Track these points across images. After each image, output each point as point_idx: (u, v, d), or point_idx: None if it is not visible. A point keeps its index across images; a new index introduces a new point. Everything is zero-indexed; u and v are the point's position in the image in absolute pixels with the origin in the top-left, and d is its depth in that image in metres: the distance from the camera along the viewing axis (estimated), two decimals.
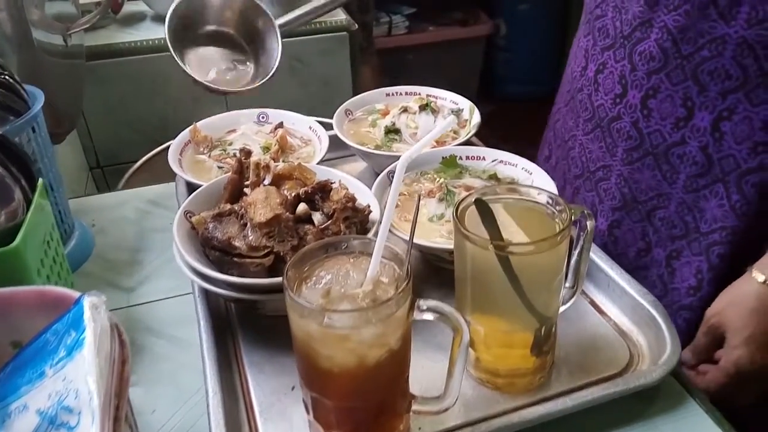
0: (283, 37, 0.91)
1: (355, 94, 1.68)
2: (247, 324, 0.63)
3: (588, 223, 0.54)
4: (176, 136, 0.99)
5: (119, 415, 0.39)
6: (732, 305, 0.59)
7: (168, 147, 1.17)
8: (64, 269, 0.60)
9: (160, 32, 1.47)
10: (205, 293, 0.62)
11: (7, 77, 0.63)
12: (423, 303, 0.45)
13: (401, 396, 0.49)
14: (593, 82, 0.72)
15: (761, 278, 0.57)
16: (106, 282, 0.71)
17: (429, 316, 0.45)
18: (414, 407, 0.49)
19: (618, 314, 0.62)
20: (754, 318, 0.57)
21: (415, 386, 0.50)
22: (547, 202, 0.52)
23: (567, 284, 0.58)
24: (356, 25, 1.56)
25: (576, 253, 0.56)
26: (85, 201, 0.87)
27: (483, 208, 0.47)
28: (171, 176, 0.91)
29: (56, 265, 0.57)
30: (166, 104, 1.49)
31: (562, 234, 0.47)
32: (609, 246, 0.76)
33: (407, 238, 0.60)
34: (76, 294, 0.45)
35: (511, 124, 2.88)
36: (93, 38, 1.43)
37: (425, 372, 0.54)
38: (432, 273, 0.68)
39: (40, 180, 0.55)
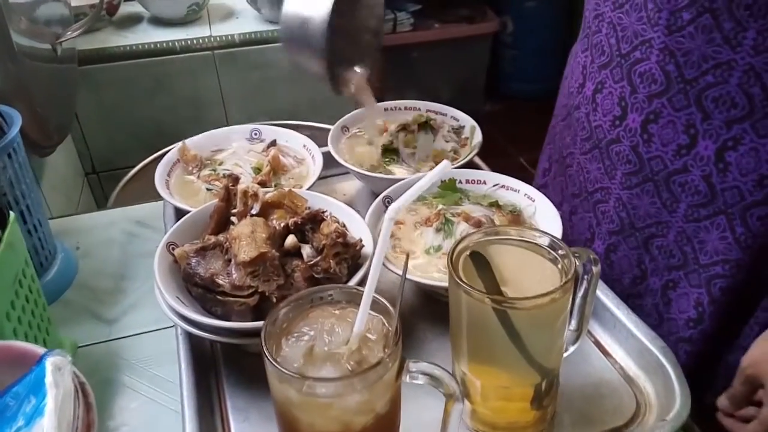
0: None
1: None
2: (232, 362, 0.60)
3: (594, 268, 0.50)
4: (172, 142, 0.95)
5: None
6: None
7: (163, 155, 1.14)
8: (40, 306, 0.57)
9: (156, 35, 1.44)
10: (188, 334, 0.59)
11: None
12: (413, 365, 0.41)
13: None
14: (591, 101, 0.69)
15: None
16: (87, 312, 0.68)
17: (420, 380, 0.42)
18: None
19: (624, 357, 0.58)
20: None
21: None
22: (550, 246, 0.49)
23: (571, 327, 0.54)
24: None
25: (580, 296, 0.53)
26: (71, 221, 0.83)
27: (479, 260, 0.44)
28: None
29: (29, 304, 0.54)
30: (162, 109, 1.46)
31: (564, 287, 0.44)
32: (605, 270, 0.72)
33: (400, 273, 0.57)
34: (41, 350, 0.42)
35: (517, 122, 2.83)
36: (87, 42, 1.40)
37: (417, 420, 0.50)
38: (427, 304, 0.65)
39: (11, 215, 0.52)
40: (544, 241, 0.49)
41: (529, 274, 0.48)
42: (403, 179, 0.72)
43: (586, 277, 0.52)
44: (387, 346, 0.42)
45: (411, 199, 0.43)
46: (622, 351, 0.59)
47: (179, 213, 0.76)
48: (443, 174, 0.48)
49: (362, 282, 0.58)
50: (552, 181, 0.82)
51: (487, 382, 0.49)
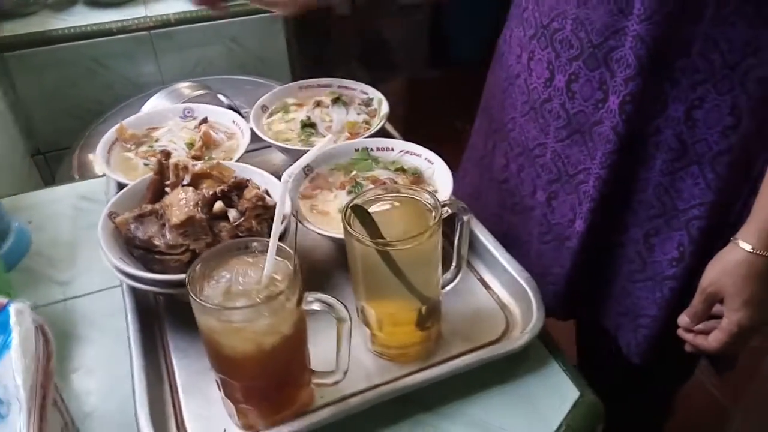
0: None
1: (293, 71, 1.71)
2: (173, 313, 0.70)
3: (464, 216, 0.62)
4: (115, 122, 1.01)
5: (45, 402, 0.46)
6: (726, 274, 0.64)
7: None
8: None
9: (92, 17, 1.48)
10: (132, 288, 0.69)
11: None
12: (310, 296, 0.52)
13: (300, 371, 0.57)
14: (527, 68, 0.78)
15: (748, 247, 0.63)
16: (44, 277, 0.77)
17: (316, 306, 0.53)
18: (313, 380, 0.58)
19: (500, 289, 0.71)
20: (748, 283, 0.63)
21: (322, 363, 0.58)
22: (427, 199, 0.60)
23: (453, 265, 0.66)
24: None
25: (456, 238, 0.65)
26: (22, 198, 0.91)
27: (360, 212, 0.55)
28: None
29: None
30: (103, 89, 1.51)
31: (431, 229, 0.55)
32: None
33: (316, 230, 0.68)
34: (4, 300, 0.51)
35: (467, 88, 2.93)
36: (24, 25, 1.44)
37: (329, 349, 0.61)
38: (342, 255, 0.76)
39: None
40: (426, 196, 0.60)
41: (411, 223, 0.59)
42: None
43: (459, 223, 0.64)
44: (287, 282, 0.52)
45: (302, 165, 0.54)
46: (498, 283, 0.71)
47: (121, 187, 0.85)
48: (327, 145, 0.59)
49: (281, 238, 0.69)
50: (515, 174, 0.89)
51: (380, 311, 0.61)
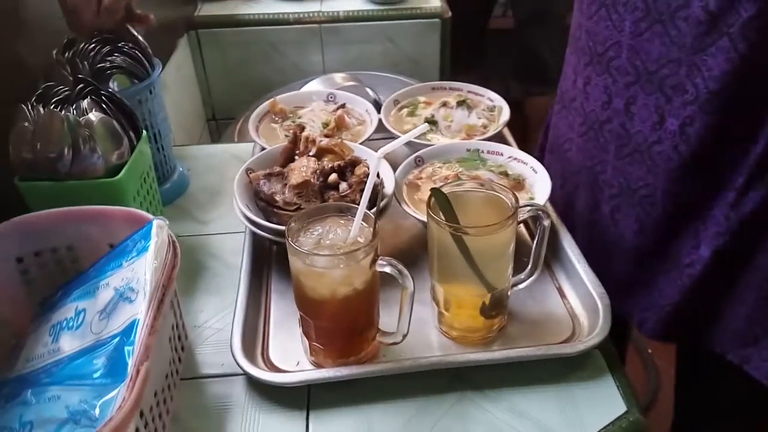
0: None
1: (442, 75, 1.79)
2: (280, 260, 0.81)
3: (544, 222, 0.66)
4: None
5: (164, 299, 0.58)
6: None
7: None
8: (156, 199, 0.81)
9: (274, 7, 1.68)
10: (252, 233, 0.81)
11: (134, 50, 0.84)
12: (382, 259, 0.60)
13: (367, 326, 0.65)
14: (583, 92, 0.82)
15: None
16: (190, 215, 0.93)
17: (387, 270, 0.60)
18: (377, 337, 0.65)
19: (574, 299, 0.73)
20: None
21: (390, 327, 0.66)
22: (510, 199, 0.65)
23: (529, 266, 0.70)
24: (449, 12, 1.67)
25: (536, 242, 0.69)
26: (188, 149, 1.09)
27: (438, 196, 0.61)
28: None
29: (149, 196, 0.78)
30: (273, 71, 1.71)
31: (502, 223, 0.60)
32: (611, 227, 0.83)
33: (409, 211, 0.75)
34: (150, 216, 0.65)
35: None
36: (219, 8, 1.67)
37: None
38: None
39: (144, 132, 0.76)
40: (509, 195, 0.65)
41: (490, 217, 0.64)
42: (433, 144, 0.89)
43: (539, 227, 0.68)
44: (365, 243, 0.60)
45: (394, 147, 0.61)
46: (574, 294, 0.74)
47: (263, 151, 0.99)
48: (420, 133, 0.66)
49: (381, 212, 0.77)
50: (552, 164, 0.93)
51: (448, 291, 0.67)
